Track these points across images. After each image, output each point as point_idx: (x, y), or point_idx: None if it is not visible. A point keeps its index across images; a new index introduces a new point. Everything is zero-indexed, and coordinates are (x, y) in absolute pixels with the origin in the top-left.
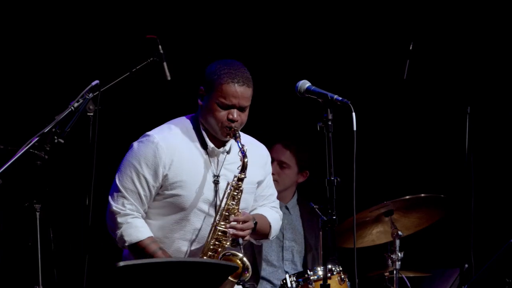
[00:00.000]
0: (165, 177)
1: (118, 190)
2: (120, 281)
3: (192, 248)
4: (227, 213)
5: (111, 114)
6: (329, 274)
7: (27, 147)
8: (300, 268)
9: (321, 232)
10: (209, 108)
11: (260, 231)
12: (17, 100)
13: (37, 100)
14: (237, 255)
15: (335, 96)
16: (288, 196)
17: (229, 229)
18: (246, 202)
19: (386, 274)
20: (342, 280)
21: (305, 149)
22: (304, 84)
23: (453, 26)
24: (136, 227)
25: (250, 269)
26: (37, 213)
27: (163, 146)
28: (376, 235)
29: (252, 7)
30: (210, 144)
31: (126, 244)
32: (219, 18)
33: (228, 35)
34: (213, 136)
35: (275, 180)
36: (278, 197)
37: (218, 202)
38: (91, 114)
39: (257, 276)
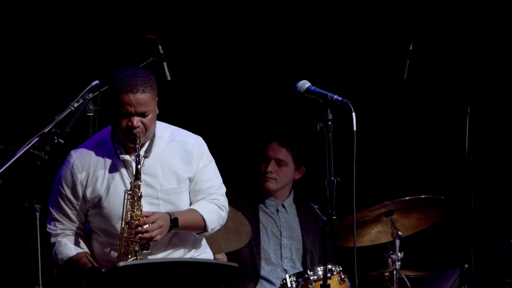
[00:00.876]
0: (84, 194)
1: (50, 212)
2: (120, 281)
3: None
4: (132, 220)
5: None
6: (329, 274)
7: (27, 147)
8: (299, 266)
9: (320, 232)
10: (112, 118)
11: (188, 226)
12: (17, 100)
13: (37, 100)
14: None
15: (335, 96)
16: (284, 194)
17: (136, 236)
18: (173, 204)
19: (386, 274)
20: (342, 280)
21: (300, 146)
22: (304, 84)
23: (453, 26)
24: (65, 245)
25: None
26: (37, 213)
27: (78, 165)
28: (375, 235)
29: (252, 7)
30: (122, 154)
31: (60, 262)
32: (219, 18)
33: (228, 35)
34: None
35: (273, 179)
36: (275, 196)
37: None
38: (91, 114)
39: (256, 276)
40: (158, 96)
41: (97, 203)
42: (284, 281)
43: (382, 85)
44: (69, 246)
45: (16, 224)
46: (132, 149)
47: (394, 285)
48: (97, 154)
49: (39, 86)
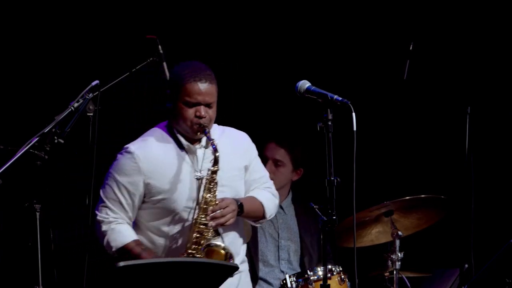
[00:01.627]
0: (148, 185)
1: (102, 201)
2: (120, 281)
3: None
4: (205, 206)
5: (111, 114)
6: (329, 274)
7: (27, 147)
8: (296, 268)
9: (319, 232)
10: (177, 109)
11: (251, 211)
12: (17, 100)
13: (37, 100)
14: (219, 245)
15: (335, 96)
16: (282, 195)
17: (210, 221)
18: (236, 190)
19: (386, 274)
20: (342, 280)
21: (299, 147)
22: (304, 84)
23: (453, 26)
24: (119, 232)
25: (234, 257)
26: (37, 213)
27: (139, 155)
28: (375, 235)
29: (252, 7)
30: (185, 143)
31: (113, 250)
32: (219, 18)
33: (228, 35)
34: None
35: (270, 179)
36: None
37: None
38: (91, 114)
39: (255, 277)
40: (158, 96)
41: (162, 194)
42: (284, 281)
43: (382, 85)
44: (124, 234)
45: (16, 224)
46: (194, 141)
47: (394, 285)
48: (159, 146)
49: (39, 86)
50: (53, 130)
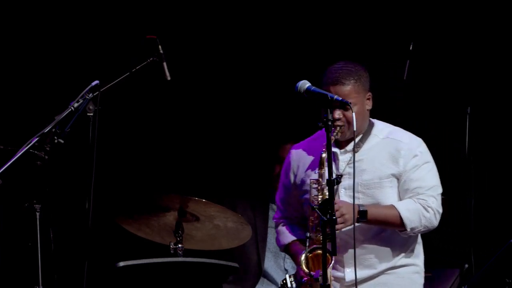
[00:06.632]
0: (295, 182)
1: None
2: (120, 281)
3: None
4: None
5: (111, 114)
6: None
7: (27, 147)
8: None
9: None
10: None
11: (380, 219)
12: (17, 100)
13: (37, 100)
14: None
15: (335, 96)
16: None
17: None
18: (376, 197)
19: None
20: None
21: None
22: (304, 84)
23: (453, 27)
24: (282, 233)
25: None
26: (37, 213)
27: (294, 154)
28: None
29: (253, 7)
30: (333, 147)
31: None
32: (219, 18)
33: (228, 35)
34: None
35: None
36: None
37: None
38: (91, 114)
39: (259, 271)
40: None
41: (306, 191)
42: (284, 281)
43: (382, 85)
44: (285, 235)
45: (16, 224)
46: (343, 143)
47: None
48: (311, 146)
49: (39, 86)
50: (53, 130)
